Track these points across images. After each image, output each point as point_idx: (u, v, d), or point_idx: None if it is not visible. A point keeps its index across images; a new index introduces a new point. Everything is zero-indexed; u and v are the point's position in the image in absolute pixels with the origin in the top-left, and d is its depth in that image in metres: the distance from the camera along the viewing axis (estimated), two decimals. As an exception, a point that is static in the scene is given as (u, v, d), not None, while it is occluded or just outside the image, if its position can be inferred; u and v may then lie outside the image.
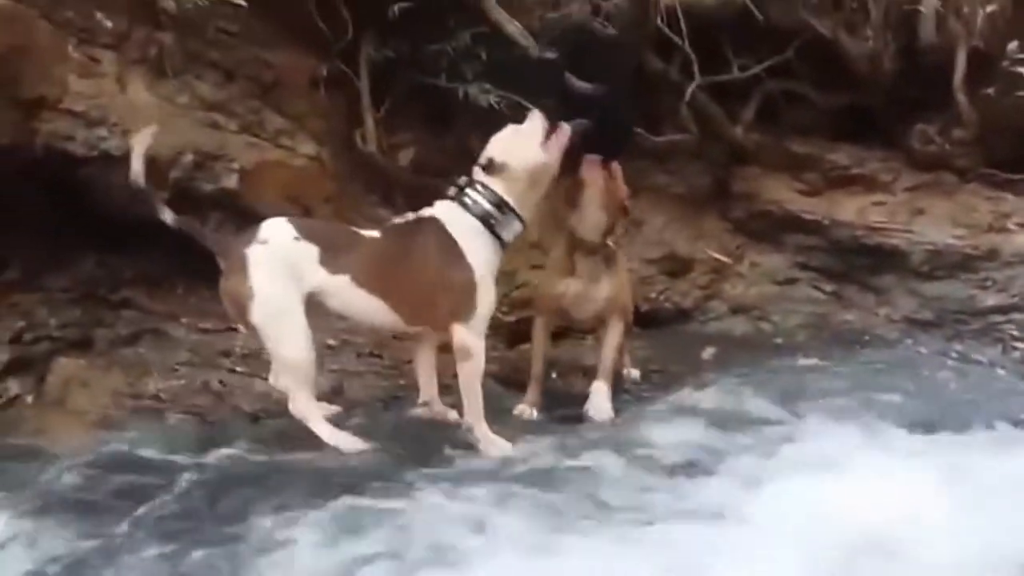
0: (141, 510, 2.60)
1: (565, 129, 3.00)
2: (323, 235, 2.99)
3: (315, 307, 2.95)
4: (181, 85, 3.68)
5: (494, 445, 2.98)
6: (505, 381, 3.60)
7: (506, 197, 2.96)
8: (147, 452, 2.94)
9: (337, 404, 3.29)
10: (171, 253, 3.57)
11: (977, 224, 4.52)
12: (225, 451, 2.94)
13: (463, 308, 2.92)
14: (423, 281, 2.94)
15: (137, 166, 2.90)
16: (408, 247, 2.97)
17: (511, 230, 2.99)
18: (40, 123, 3.35)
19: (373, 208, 4.15)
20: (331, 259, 2.93)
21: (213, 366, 3.46)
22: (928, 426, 3.15)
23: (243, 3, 3.78)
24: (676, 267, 4.43)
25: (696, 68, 4.53)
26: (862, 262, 4.48)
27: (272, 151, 3.75)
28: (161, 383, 3.35)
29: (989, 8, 5.11)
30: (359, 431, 3.05)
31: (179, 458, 2.91)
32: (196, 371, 3.43)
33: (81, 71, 3.47)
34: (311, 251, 2.92)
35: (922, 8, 5.23)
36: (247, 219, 3.50)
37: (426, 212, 3.04)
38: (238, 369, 3.44)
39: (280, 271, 2.89)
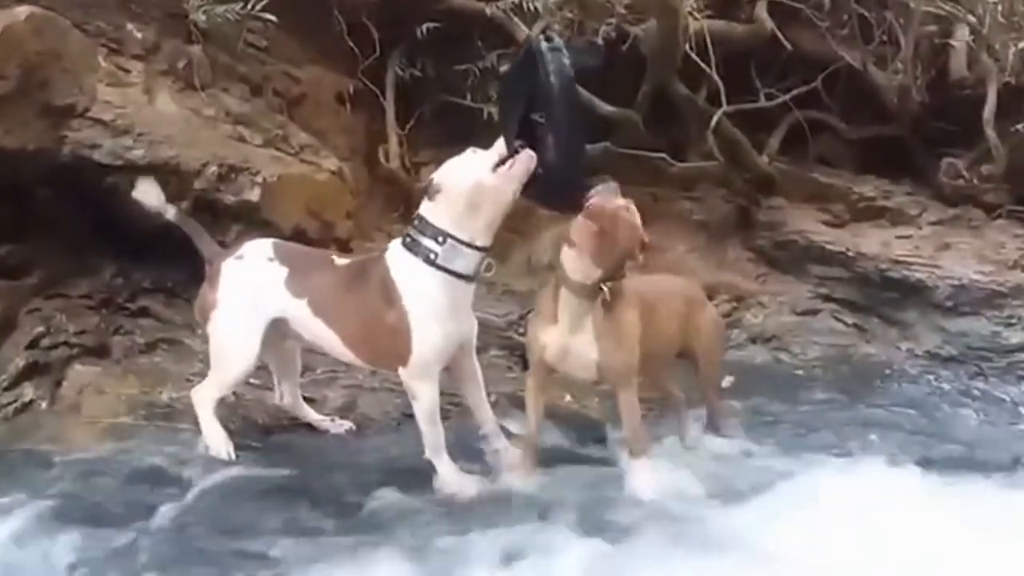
0: (151, 520, 2.60)
1: (527, 156, 2.68)
2: (297, 259, 2.96)
3: (284, 331, 2.95)
4: (208, 97, 3.71)
5: (454, 484, 2.82)
6: (520, 402, 3.55)
7: (443, 225, 2.71)
8: (159, 462, 2.94)
9: (350, 420, 3.27)
10: (190, 264, 3.58)
11: (1003, 260, 4.48)
12: (236, 464, 2.93)
13: (399, 352, 2.76)
14: (365, 321, 2.83)
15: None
16: (358, 285, 2.85)
17: (463, 261, 2.72)
18: (68, 131, 3.37)
19: (393, 225, 4.15)
20: (296, 283, 2.89)
21: (227, 378, 3.45)
22: (948, 465, 3.10)
23: (273, 19, 3.81)
24: (697, 294, 4.39)
25: (723, 95, 4.52)
26: (886, 295, 4.43)
27: (296, 165, 3.76)
28: (175, 393, 3.34)
29: (1021, 44, 5.09)
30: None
31: (190, 469, 2.90)
32: (210, 382, 3.43)
33: (110, 81, 3.50)
34: (280, 273, 2.91)
35: (953, 42, 5.22)
36: (268, 232, 3.52)
37: (383, 250, 2.91)
38: (251, 381, 3.42)
39: (247, 289, 2.92)
